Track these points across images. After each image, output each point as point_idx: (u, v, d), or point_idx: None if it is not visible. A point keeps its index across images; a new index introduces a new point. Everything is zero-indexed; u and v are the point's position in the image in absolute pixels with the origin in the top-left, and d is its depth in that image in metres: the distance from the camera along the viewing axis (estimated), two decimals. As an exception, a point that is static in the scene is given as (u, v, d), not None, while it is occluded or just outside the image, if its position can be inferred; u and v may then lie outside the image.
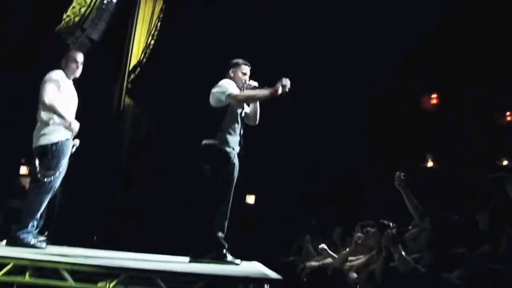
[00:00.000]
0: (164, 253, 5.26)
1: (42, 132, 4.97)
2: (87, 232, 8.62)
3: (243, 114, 5.04)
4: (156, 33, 10.22)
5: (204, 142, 4.83)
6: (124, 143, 10.14)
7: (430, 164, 11.20)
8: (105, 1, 9.60)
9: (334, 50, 9.74)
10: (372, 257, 5.16)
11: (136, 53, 10.20)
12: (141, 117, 10.28)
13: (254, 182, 9.73)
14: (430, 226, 4.26)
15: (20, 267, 3.61)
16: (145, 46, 10.23)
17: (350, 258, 5.71)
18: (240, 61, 5.10)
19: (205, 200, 4.84)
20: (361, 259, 5.51)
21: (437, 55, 10.20)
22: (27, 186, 10.43)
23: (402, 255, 4.09)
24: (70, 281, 3.49)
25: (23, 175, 11.60)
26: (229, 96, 4.79)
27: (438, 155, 11.11)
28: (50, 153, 4.92)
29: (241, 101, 4.89)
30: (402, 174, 4.67)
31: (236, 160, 4.81)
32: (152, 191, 9.49)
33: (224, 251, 4.63)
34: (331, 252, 6.18)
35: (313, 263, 6.55)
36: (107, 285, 3.49)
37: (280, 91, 4.75)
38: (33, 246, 4.69)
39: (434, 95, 11.10)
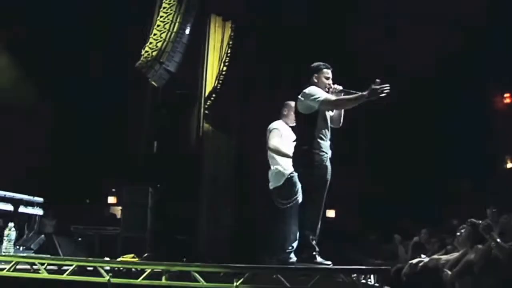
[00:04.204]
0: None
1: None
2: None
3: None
4: (227, 59, 10.86)
5: (298, 148, 4.87)
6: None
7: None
8: (179, 34, 10.30)
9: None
10: (465, 252, 5.34)
11: (211, 80, 10.78)
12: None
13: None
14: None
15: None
16: (218, 72, 10.84)
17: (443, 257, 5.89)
18: (321, 65, 4.94)
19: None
20: (454, 255, 5.69)
21: None
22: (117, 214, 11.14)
23: (499, 242, 4.37)
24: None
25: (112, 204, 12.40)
26: (323, 102, 4.68)
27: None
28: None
29: (337, 106, 4.79)
30: None
31: (328, 164, 4.79)
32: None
33: (314, 253, 4.66)
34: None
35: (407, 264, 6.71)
36: (235, 284, 3.94)
37: (373, 95, 4.40)
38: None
39: None
